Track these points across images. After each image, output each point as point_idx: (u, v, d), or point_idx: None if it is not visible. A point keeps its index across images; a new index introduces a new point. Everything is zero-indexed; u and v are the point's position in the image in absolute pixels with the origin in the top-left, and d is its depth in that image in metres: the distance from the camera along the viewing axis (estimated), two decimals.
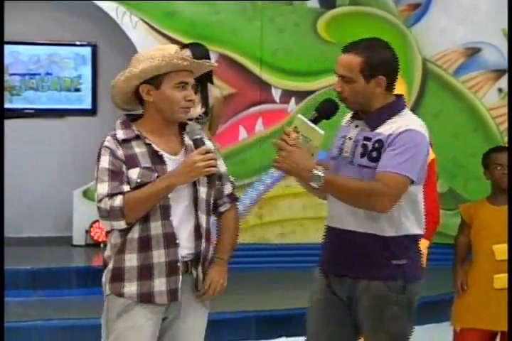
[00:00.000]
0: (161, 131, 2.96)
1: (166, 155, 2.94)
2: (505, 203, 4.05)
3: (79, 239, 7.11)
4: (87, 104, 7.48)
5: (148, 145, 2.92)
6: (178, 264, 2.91)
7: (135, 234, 2.88)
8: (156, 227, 2.89)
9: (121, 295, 2.89)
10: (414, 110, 7.41)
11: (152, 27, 7.07)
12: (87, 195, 7.06)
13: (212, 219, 3.11)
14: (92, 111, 7.48)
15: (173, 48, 2.99)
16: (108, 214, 2.83)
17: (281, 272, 6.75)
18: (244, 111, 7.26)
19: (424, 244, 3.69)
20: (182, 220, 2.94)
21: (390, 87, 3.05)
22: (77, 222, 7.11)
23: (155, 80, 2.90)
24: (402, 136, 2.94)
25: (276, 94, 7.29)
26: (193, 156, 2.87)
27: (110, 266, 2.93)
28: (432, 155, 3.78)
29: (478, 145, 6.99)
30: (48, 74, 7.51)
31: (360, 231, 3.02)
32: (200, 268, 3.00)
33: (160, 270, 2.89)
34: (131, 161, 2.88)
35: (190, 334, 3.05)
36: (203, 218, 2.98)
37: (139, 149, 2.91)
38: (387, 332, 3.05)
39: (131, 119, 2.99)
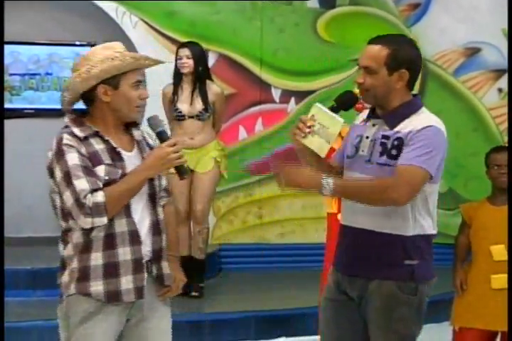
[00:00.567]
0: (110, 129, 2.95)
1: (123, 152, 2.94)
2: (505, 203, 4.06)
3: None
4: None
5: (107, 142, 2.91)
6: (143, 262, 2.91)
7: (100, 232, 2.85)
8: (120, 225, 2.87)
9: (87, 294, 2.86)
10: None
11: (152, 27, 7.07)
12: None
13: None
14: None
15: (119, 46, 2.97)
16: (91, 211, 2.79)
17: (281, 272, 6.75)
18: (244, 111, 7.26)
19: None
20: (142, 217, 2.94)
21: (410, 83, 3.06)
22: None
23: (113, 80, 2.88)
24: (423, 132, 2.95)
25: (276, 94, 7.29)
26: (164, 148, 2.88)
27: (74, 265, 2.88)
28: None
29: (478, 145, 6.99)
30: (47, 74, 7.50)
31: (376, 231, 3.02)
32: (163, 265, 3.00)
33: (126, 268, 2.87)
34: (95, 158, 2.86)
35: (157, 333, 3.03)
36: (160, 213, 3.00)
37: (98, 146, 2.89)
38: (395, 332, 3.06)
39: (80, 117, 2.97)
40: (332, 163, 3.23)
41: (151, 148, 3.05)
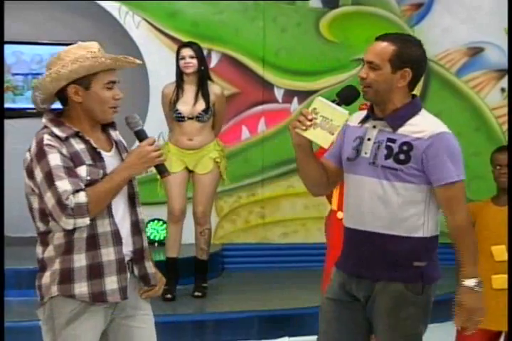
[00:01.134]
0: (87, 129, 2.92)
1: (102, 152, 2.92)
2: (507, 203, 4.05)
3: None
4: None
5: (87, 142, 2.89)
6: (125, 262, 2.90)
7: (83, 233, 2.83)
8: (103, 225, 2.86)
9: (71, 296, 2.84)
10: None
11: (155, 27, 7.07)
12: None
13: None
14: None
15: (95, 45, 2.94)
16: (73, 212, 2.76)
17: (284, 272, 6.74)
18: (246, 111, 7.25)
19: None
20: (122, 217, 2.93)
21: (412, 84, 3.06)
22: None
23: (84, 80, 2.86)
24: (439, 141, 3.00)
25: (278, 94, 7.28)
26: (145, 147, 2.87)
27: (56, 267, 2.85)
28: None
29: (481, 144, 6.99)
30: None
31: (386, 233, 3.02)
32: (146, 264, 2.99)
33: (110, 268, 2.86)
34: (76, 159, 2.84)
35: (142, 331, 3.01)
36: (140, 213, 2.99)
37: (78, 146, 2.87)
38: (403, 332, 3.06)
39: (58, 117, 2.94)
40: (325, 164, 3.20)
41: (126, 149, 3.05)
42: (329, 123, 2.98)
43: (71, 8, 7.36)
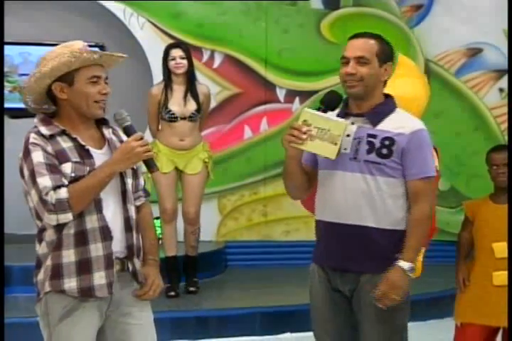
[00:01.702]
0: (79, 127, 2.92)
1: (92, 150, 2.91)
2: (506, 202, 4.06)
3: None
4: None
5: (75, 139, 2.88)
6: (113, 257, 2.89)
7: (71, 229, 2.83)
8: (91, 221, 2.85)
9: (62, 291, 2.85)
10: None
11: (159, 28, 7.08)
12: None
13: None
14: None
15: (79, 44, 2.94)
16: (54, 208, 2.76)
17: (286, 269, 6.75)
18: (249, 111, 7.26)
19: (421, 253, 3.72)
20: (113, 213, 2.92)
21: (388, 79, 3.13)
22: None
23: (67, 77, 2.86)
24: (418, 138, 3.05)
25: (280, 94, 7.29)
26: (130, 142, 2.85)
27: (48, 263, 2.86)
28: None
29: (480, 143, 6.99)
30: None
31: (366, 226, 3.05)
32: (135, 261, 2.98)
33: (99, 264, 2.85)
34: (62, 156, 2.83)
35: (139, 327, 3.00)
36: (131, 210, 2.97)
37: (65, 144, 2.86)
38: (391, 322, 3.10)
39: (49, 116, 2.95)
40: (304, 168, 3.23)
41: None
42: (327, 134, 2.97)
43: (77, 10, 7.38)
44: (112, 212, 2.91)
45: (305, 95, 7.24)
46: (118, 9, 7.04)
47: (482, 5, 7.38)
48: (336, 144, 2.98)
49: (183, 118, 5.71)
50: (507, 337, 4.04)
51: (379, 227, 3.04)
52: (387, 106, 3.11)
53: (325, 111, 3.04)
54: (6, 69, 7.41)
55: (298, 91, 7.24)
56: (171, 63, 5.72)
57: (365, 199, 3.04)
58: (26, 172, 2.83)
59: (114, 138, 3.01)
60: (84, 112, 2.91)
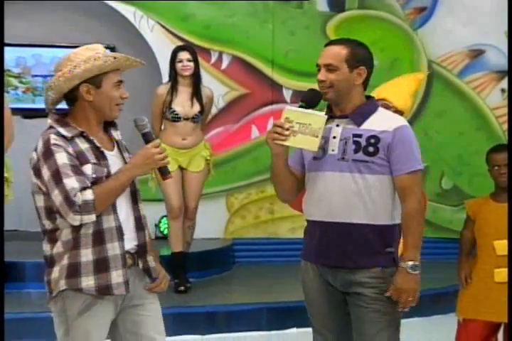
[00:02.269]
0: (93, 129, 2.94)
1: (105, 151, 2.94)
2: (507, 200, 4.05)
3: None
4: None
5: (91, 141, 2.90)
6: (127, 256, 2.92)
7: (89, 229, 2.84)
8: (108, 221, 2.87)
9: (79, 290, 2.85)
10: (419, 110, 7.44)
11: (168, 30, 7.09)
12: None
13: None
14: None
15: (100, 48, 2.97)
16: (80, 209, 2.78)
17: (292, 265, 6.75)
18: (256, 111, 7.26)
19: None
20: (126, 213, 2.95)
21: (365, 82, 3.16)
22: None
23: (95, 80, 2.88)
24: (401, 133, 3.09)
25: (287, 94, 7.30)
26: (150, 149, 2.89)
27: (64, 262, 2.86)
28: None
29: (482, 143, 6.97)
30: None
31: (359, 223, 3.08)
32: (149, 259, 3.00)
33: (116, 262, 2.87)
34: (82, 157, 2.85)
35: (150, 318, 3.03)
36: (141, 209, 3.01)
37: (83, 146, 2.88)
38: (390, 314, 3.12)
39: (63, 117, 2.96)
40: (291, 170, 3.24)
41: (126, 148, 3.07)
42: (309, 128, 3.01)
43: (88, 12, 7.40)
44: (125, 212, 2.94)
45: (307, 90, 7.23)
46: (128, 12, 7.05)
47: (484, 7, 7.37)
48: (316, 137, 3.02)
49: (186, 119, 5.73)
50: (508, 333, 4.04)
51: (370, 223, 3.08)
52: (369, 106, 3.16)
53: (306, 109, 3.08)
54: (19, 70, 7.44)
55: (304, 91, 7.21)
56: (178, 65, 5.74)
57: (355, 197, 3.07)
58: (47, 173, 2.82)
59: (121, 140, 3.05)
60: (104, 114, 2.94)
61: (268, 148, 3.13)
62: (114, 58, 2.87)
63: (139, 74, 6.71)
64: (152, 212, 6.92)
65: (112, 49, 7.56)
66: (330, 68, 3.09)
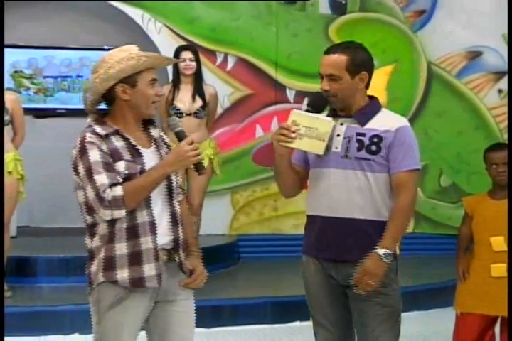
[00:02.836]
0: (129, 127, 2.95)
1: (141, 149, 2.94)
2: (504, 198, 4.05)
3: None
4: None
5: (126, 139, 2.92)
6: (161, 251, 2.92)
7: (123, 223, 2.85)
8: (141, 216, 2.88)
9: (114, 282, 2.87)
10: (419, 110, 7.44)
11: (175, 32, 7.10)
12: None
13: None
14: None
15: (134, 48, 2.98)
16: (110, 204, 2.80)
17: (295, 260, 6.76)
18: (260, 111, 7.28)
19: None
20: (161, 208, 2.95)
21: (368, 84, 3.15)
22: None
23: (130, 79, 2.89)
24: (403, 133, 3.09)
25: (290, 95, 7.31)
26: (184, 146, 2.88)
27: (101, 255, 2.88)
28: None
29: (480, 142, 6.97)
30: (78, 76, 7.55)
31: (359, 218, 3.08)
32: (181, 253, 3.00)
33: (148, 256, 2.88)
34: (116, 155, 2.86)
35: (182, 315, 3.03)
36: (176, 205, 3.01)
37: (118, 143, 2.89)
38: (391, 306, 3.13)
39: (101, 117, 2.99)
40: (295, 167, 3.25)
41: (167, 145, 3.07)
42: (315, 132, 3.02)
43: (98, 16, 7.41)
44: (160, 208, 2.94)
45: (312, 93, 7.24)
46: (137, 14, 7.07)
47: (482, 10, 7.36)
48: (323, 141, 3.03)
49: (189, 115, 5.75)
50: (505, 326, 4.05)
51: (370, 219, 3.08)
52: (373, 107, 3.16)
53: (312, 113, 3.08)
54: (31, 71, 7.45)
55: (307, 92, 7.24)
56: (181, 64, 5.77)
57: (356, 194, 3.08)
58: (82, 170, 2.85)
59: (159, 138, 3.05)
60: (141, 112, 2.95)
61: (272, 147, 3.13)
62: (146, 57, 2.89)
63: None
64: None
65: None
66: (332, 78, 3.07)
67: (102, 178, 2.81)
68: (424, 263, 6.71)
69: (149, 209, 2.90)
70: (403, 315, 3.21)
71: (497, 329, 4.17)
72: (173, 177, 3.01)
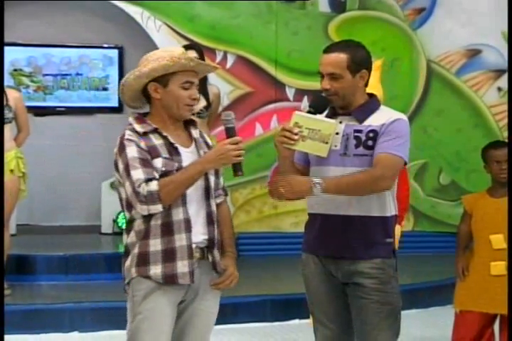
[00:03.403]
0: (168, 126, 2.97)
1: (180, 147, 2.95)
2: (503, 195, 4.05)
3: (107, 227, 7.13)
4: (114, 102, 7.50)
5: (165, 137, 2.93)
6: (193, 248, 2.92)
7: (158, 220, 2.87)
8: (176, 213, 2.88)
9: (147, 277, 2.88)
10: (418, 108, 7.44)
11: (175, 30, 7.09)
12: (114, 186, 7.10)
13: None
14: (118, 109, 7.49)
15: (179, 50, 3.00)
16: (146, 199, 2.81)
17: (295, 258, 6.76)
18: (260, 109, 7.27)
19: (398, 230, 3.81)
20: (197, 207, 2.95)
21: (367, 81, 3.14)
22: (105, 212, 7.13)
23: (162, 79, 2.91)
24: (396, 124, 3.06)
25: (290, 93, 7.30)
26: (226, 145, 2.86)
27: (135, 251, 2.90)
28: None
29: (479, 140, 6.97)
30: (78, 74, 7.54)
31: (359, 215, 3.07)
32: (215, 253, 3.00)
33: (182, 253, 2.88)
34: (153, 152, 2.88)
35: (205, 314, 3.03)
36: (213, 205, 3.01)
37: (157, 141, 2.91)
38: (390, 304, 3.11)
39: (142, 115, 3.01)
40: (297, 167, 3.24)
41: (208, 146, 3.07)
42: (318, 134, 3.00)
43: (97, 14, 7.41)
44: (196, 207, 2.94)
45: (313, 94, 7.23)
46: (136, 13, 7.05)
47: (481, 8, 7.37)
48: (326, 143, 3.02)
49: (192, 115, 5.72)
50: (505, 324, 4.04)
51: (370, 215, 3.07)
52: (372, 104, 3.15)
53: (314, 114, 3.07)
54: (30, 69, 7.45)
55: (306, 90, 7.23)
56: None
57: None
58: (121, 166, 2.88)
59: (200, 139, 3.05)
60: (173, 113, 2.96)
61: (271, 145, 3.13)
62: (179, 59, 2.90)
63: None
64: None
65: (120, 49, 7.58)
66: (333, 77, 3.06)
67: (138, 173, 2.83)
68: (423, 261, 6.70)
69: (185, 208, 2.90)
70: (402, 313, 3.20)
71: (496, 327, 4.17)
72: (212, 178, 3.00)
